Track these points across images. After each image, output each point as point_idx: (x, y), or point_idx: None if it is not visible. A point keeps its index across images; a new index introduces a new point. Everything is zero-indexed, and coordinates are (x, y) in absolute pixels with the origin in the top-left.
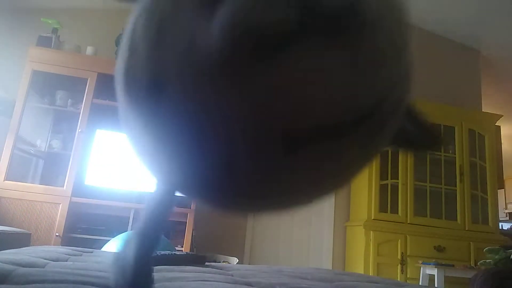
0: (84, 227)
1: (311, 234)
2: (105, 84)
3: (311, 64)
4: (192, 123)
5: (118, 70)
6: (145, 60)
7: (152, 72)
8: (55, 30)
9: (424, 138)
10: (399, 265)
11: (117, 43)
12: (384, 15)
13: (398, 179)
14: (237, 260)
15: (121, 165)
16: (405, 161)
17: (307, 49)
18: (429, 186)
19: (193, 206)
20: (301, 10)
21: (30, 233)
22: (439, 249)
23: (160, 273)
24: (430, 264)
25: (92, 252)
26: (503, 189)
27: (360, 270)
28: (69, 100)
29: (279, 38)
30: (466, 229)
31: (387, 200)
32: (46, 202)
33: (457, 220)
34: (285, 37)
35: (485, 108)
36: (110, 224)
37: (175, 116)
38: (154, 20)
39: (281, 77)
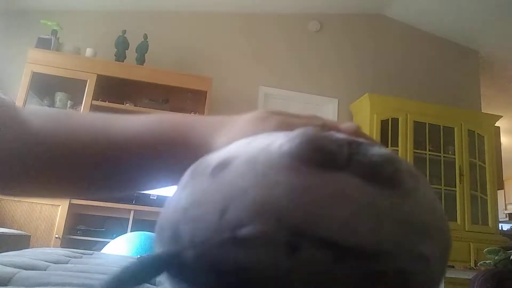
0: (84, 229)
1: None
2: (104, 86)
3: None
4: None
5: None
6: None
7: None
8: (54, 32)
9: None
10: None
11: (116, 44)
12: (422, 193)
13: None
14: None
15: None
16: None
17: (347, 178)
18: None
19: None
20: (350, 152)
21: (30, 235)
22: None
23: None
24: None
25: (92, 254)
26: (503, 190)
27: None
28: (69, 102)
29: (328, 160)
30: (466, 229)
31: None
32: (46, 204)
33: (456, 221)
34: (332, 162)
35: (485, 109)
36: (109, 226)
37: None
38: None
39: (334, 185)
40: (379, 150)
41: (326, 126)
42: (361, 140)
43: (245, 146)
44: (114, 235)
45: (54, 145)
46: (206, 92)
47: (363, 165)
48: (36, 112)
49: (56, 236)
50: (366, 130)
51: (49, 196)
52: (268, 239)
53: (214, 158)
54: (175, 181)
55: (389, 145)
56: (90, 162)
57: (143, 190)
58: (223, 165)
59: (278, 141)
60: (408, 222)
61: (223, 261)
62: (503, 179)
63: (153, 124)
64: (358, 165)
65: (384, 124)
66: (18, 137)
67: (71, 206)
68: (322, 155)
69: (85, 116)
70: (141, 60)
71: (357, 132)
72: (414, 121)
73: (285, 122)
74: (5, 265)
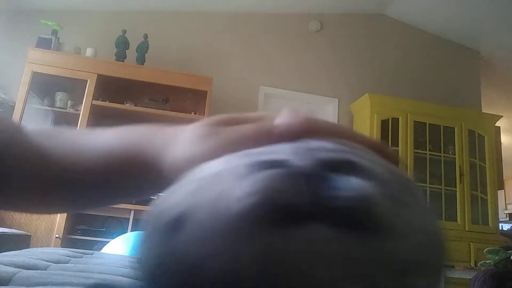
0: (84, 229)
1: None
2: (104, 86)
3: (313, 242)
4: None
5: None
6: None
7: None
8: (55, 32)
9: None
10: None
11: (117, 44)
12: (410, 230)
13: None
14: None
15: None
16: (405, 162)
17: (316, 230)
18: (429, 187)
19: None
20: (314, 197)
21: (30, 235)
22: None
23: None
24: None
25: (92, 254)
26: (503, 190)
27: None
28: (69, 102)
29: (290, 214)
30: (466, 230)
31: None
32: None
33: (457, 221)
34: (296, 215)
35: (485, 109)
36: (109, 225)
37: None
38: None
39: (284, 246)
40: (347, 185)
41: (271, 135)
42: (323, 167)
43: (197, 191)
44: (114, 235)
45: (42, 164)
46: (206, 92)
47: (330, 212)
48: (38, 131)
49: (56, 235)
50: (366, 130)
51: (35, 212)
52: None
53: (167, 207)
54: (139, 196)
55: (389, 145)
56: (61, 180)
57: (112, 204)
58: (176, 224)
59: (231, 192)
60: (394, 264)
61: None
62: (503, 179)
63: (113, 142)
64: (323, 213)
65: (384, 124)
66: (23, 156)
67: None
68: (283, 213)
69: (69, 133)
70: (141, 60)
71: (305, 129)
72: (414, 121)
73: (231, 141)
74: (5, 265)
